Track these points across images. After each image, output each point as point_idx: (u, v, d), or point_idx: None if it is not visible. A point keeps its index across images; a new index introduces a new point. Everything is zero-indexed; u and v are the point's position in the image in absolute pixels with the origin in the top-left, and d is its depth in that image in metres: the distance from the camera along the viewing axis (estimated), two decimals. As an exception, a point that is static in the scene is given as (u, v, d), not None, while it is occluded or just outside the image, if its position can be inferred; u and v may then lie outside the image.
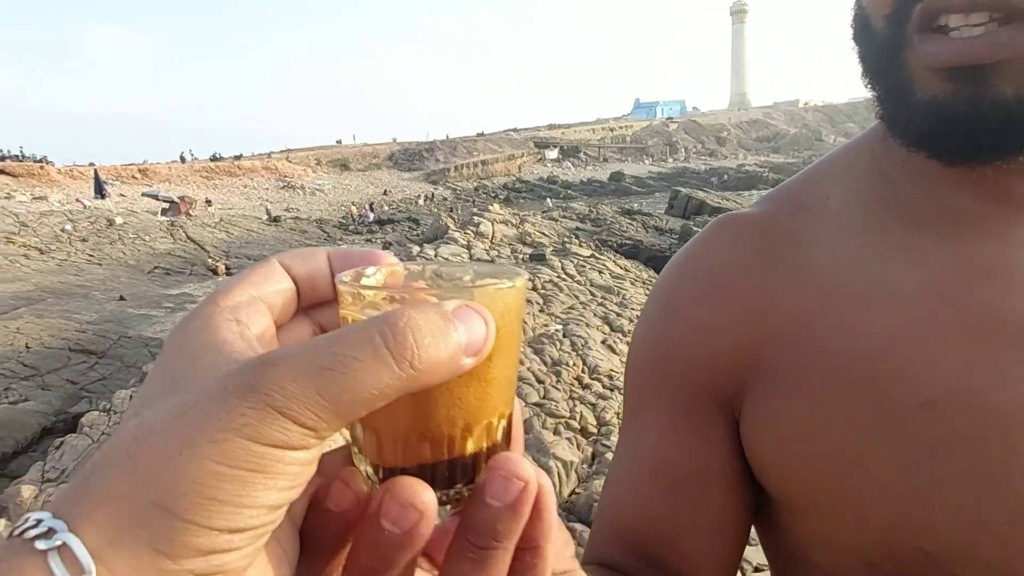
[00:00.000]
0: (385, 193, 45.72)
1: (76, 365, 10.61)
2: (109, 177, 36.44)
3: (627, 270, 12.60)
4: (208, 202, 31.99)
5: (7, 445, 6.91)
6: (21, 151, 42.25)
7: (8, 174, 36.74)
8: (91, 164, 43.10)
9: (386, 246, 18.63)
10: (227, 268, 20.05)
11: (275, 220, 30.00)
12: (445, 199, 43.09)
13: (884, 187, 0.59)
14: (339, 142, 66.64)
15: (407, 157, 59.13)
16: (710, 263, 0.64)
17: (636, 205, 27.90)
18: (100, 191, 27.97)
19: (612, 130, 76.92)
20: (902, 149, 0.53)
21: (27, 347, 10.86)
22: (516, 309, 0.29)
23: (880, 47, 0.51)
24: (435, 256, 10.90)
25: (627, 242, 15.94)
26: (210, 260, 20.92)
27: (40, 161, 41.42)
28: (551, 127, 76.60)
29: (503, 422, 0.30)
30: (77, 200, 30.13)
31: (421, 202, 41.34)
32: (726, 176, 47.99)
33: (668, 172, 55.53)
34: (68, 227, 22.43)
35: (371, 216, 31.83)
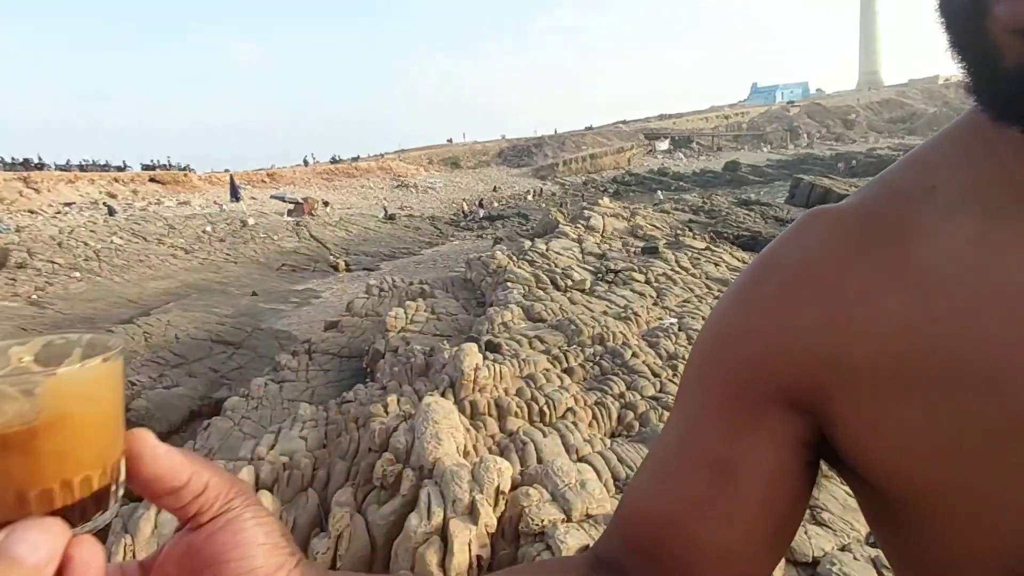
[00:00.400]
0: (495, 189, 46.41)
1: (217, 355, 11.50)
2: (242, 182, 39.24)
3: (744, 263, 12.09)
4: (325, 203, 33.70)
5: (163, 425, 7.59)
6: (168, 160, 46.25)
7: (158, 182, 40.43)
8: (226, 170, 46.55)
9: (497, 241, 18.89)
10: (347, 264, 21.06)
11: (391, 218, 31.19)
12: (554, 194, 43.14)
13: (998, 172, 0.53)
14: (450, 141, 68.33)
15: (516, 153, 59.72)
16: (799, 256, 0.60)
17: (753, 195, 26.72)
18: (235, 195, 30.17)
19: (727, 117, 74.03)
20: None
21: (176, 338, 11.89)
22: (96, 385, 0.32)
23: (960, 14, 0.47)
24: (546, 250, 10.91)
25: (744, 234, 15.30)
26: (331, 257, 22.05)
27: (184, 169, 45.18)
28: (661, 117, 74.78)
29: (101, 473, 0.33)
30: (215, 202, 32.68)
31: (530, 198, 41.61)
32: (854, 162, 44.84)
33: (789, 159, 52.71)
34: (208, 228, 24.37)
35: (481, 212, 32.41)
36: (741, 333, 0.60)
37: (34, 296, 15.00)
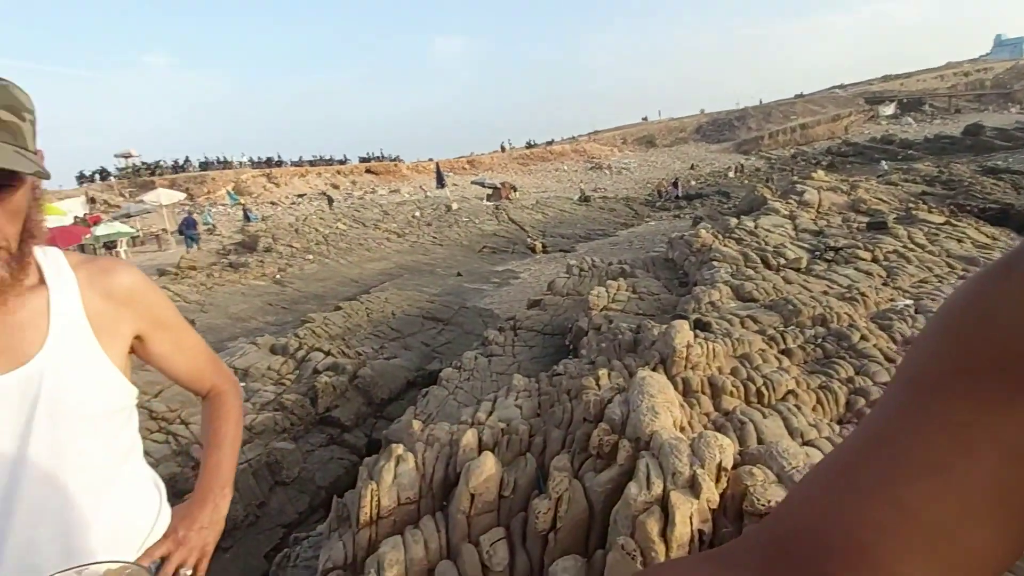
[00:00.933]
0: (692, 167, 44.72)
1: (428, 330, 12.36)
2: (445, 169, 41.69)
3: (995, 239, 10.43)
4: (513, 188, 34.60)
5: (384, 392, 8.34)
6: (381, 152, 50.48)
7: (373, 173, 44.32)
8: (430, 159, 49.66)
9: (697, 220, 18.20)
10: (544, 246, 21.56)
11: (585, 200, 31.35)
12: (758, 169, 40.57)
13: None
14: (645, 119, 66.91)
15: (715, 128, 56.98)
16: None
17: (1001, 162, 23.04)
18: (441, 182, 32.15)
19: (966, 75, 64.36)
20: None
21: (393, 314, 12.97)
22: None
23: None
24: (755, 227, 10.28)
25: (992, 206, 13.22)
26: (529, 239, 22.70)
27: (395, 160, 49.03)
28: (885, 79, 66.84)
29: None
30: (420, 188, 35.07)
31: (731, 174, 39.52)
32: None
33: (1045, 119, 44.68)
34: (417, 214, 26.25)
35: (676, 191, 31.42)
36: (996, 315, 0.44)
37: (277, 276, 17.21)
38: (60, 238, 19.65)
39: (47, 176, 1.07)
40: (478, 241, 22.76)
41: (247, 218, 26.91)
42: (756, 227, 10.29)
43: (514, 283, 16.65)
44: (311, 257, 19.20)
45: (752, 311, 6.08)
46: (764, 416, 3.74)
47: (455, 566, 2.89)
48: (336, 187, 39.43)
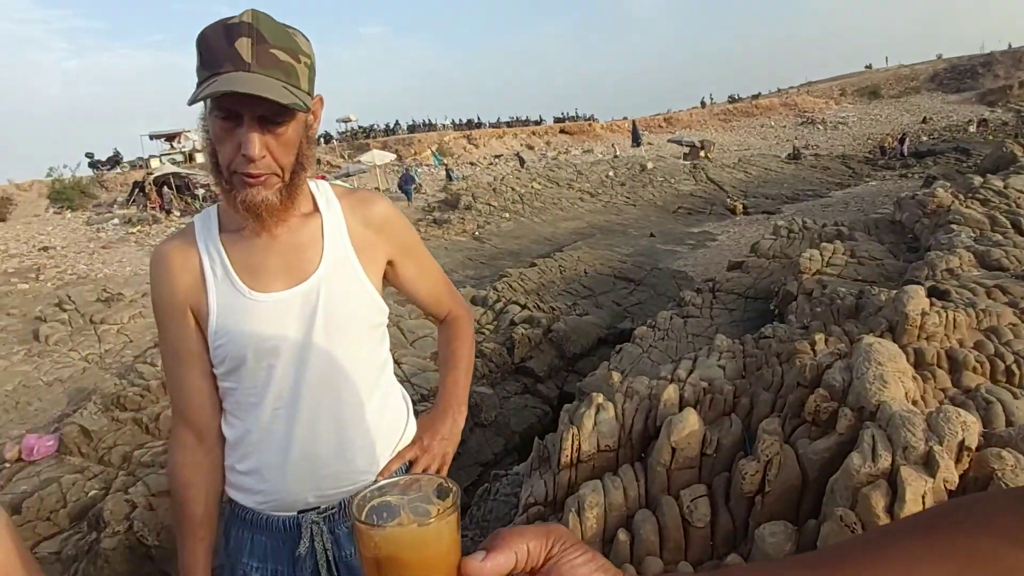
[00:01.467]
0: (924, 121, 39.45)
1: (619, 290, 12.31)
2: (641, 127, 40.71)
3: None
4: (701, 145, 32.63)
5: (576, 347, 8.49)
6: (576, 112, 50.46)
7: (567, 133, 44.54)
8: (625, 118, 48.75)
9: (929, 180, 16.09)
10: (744, 208, 20.38)
11: (795, 157, 29.03)
12: (1005, 123, 34.76)
13: None
14: (868, 67, 59.97)
15: (954, 76, 49.59)
16: None
17: None
18: (637, 140, 31.50)
19: None
20: None
21: (585, 272, 13.08)
22: (422, 541, 0.47)
23: None
24: (1004, 187, 8.85)
25: None
26: (728, 200, 21.57)
27: (589, 119, 48.82)
28: None
29: None
30: (612, 147, 34.60)
31: (972, 128, 34.27)
32: None
33: None
34: (610, 173, 26.01)
35: (902, 148, 27.94)
36: None
37: (476, 232, 18.07)
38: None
39: (304, 110, 1.18)
40: (673, 202, 22.08)
41: (449, 177, 28.45)
42: (1006, 187, 8.85)
43: (711, 246, 15.98)
44: (507, 215, 19.88)
45: (1001, 280, 5.27)
46: (1016, 397, 3.26)
47: (654, 516, 2.89)
48: (531, 148, 40.27)
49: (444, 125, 44.54)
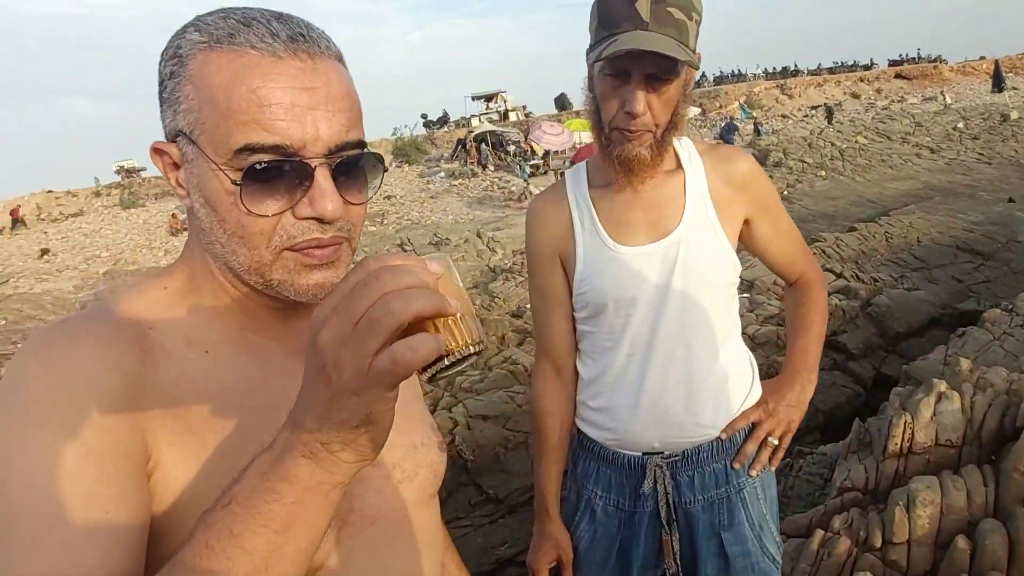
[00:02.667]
0: None
1: (962, 263, 10.50)
2: (1006, 68, 33.51)
3: None
4: None
5: (900, 325, 7.51)
6: (918, 53, 43.35)
7: (904, 77, 38.58)
8: (982, 58, 40.59)
9: None
10: None
11: None
12: None
13: None
14: None
15: None
16: None
17: None
18: (999, 84, 26.06)
19: None
20: None
21: (918, 241, 11.40)
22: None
23: None
24: None
25: None
26: None
27: (934, 61, 41.65)
28: None
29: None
30: (941, 93, 29.03)
31: None
32: None
33: None
34: (960, 125, 21.99)
35: None
36: None
37: (785, 192, 16.75)
38: (589, 152, 22.92)
39: (695, 66, 1.20)
40: (1046, 159, 17.95)
41: (757, 132, 26.76)
42: None
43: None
44: (823, 173, 18.09)
45: None
46: None
47: (1003, 528, 2.49)
48: (856, 96, 35.82)
49: (754, 75, 41.71)
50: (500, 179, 25.33)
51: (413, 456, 0.83)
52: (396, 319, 0.48)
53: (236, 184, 0.63)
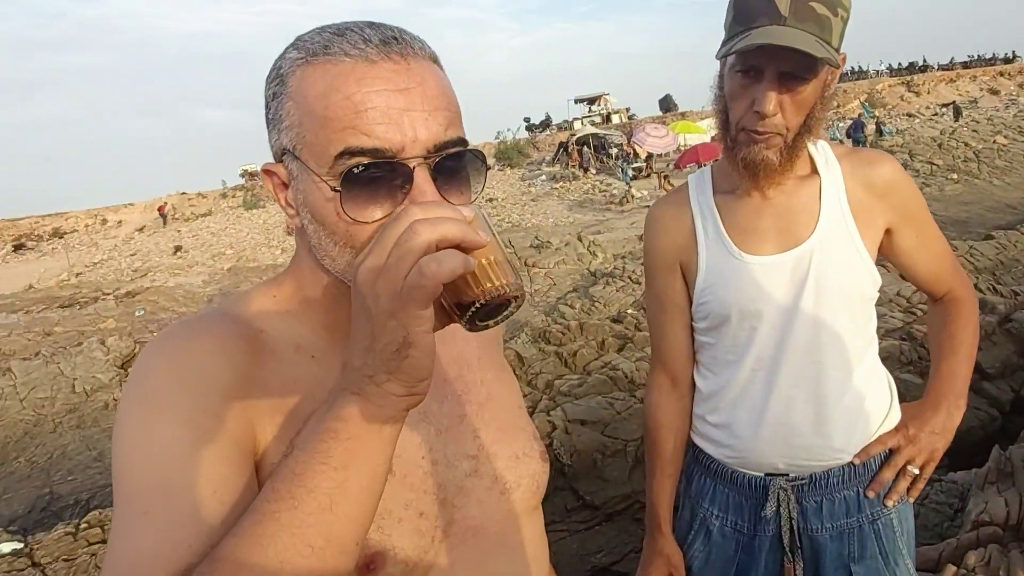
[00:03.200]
0: None
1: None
2: None
3: None
4: None
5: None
6: (1069, 44, 39.19)
7: (1052, 71, 35.10)
8: None
9: None
10: None
11: None
12: None
13: None
14: None
15: None
16: None
17: None
18: None
19: None
20: None
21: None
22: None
23: None
24: None
25: None
26: None
27: (1089, 52, 37.60)
28: None
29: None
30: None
31: None
32: None
33: None
34: (1120, 122, 19.72)
35: None
36: None
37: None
38: (703, 153, 22.23)
39: (836, 66, 1.11)
40: None
41: (880, 132, 25.14)
42: None
43: None
44: (955, 176, 16.73)
45: None
46: None
47: None
48: (994, 92, 32.92)
49: (877, 71, 39.19)
50: (601, 182, 25.08)
51: (515, 467, 0.82)
52: (423, 239, 0.51)
53: (335, 190, 0.63)
